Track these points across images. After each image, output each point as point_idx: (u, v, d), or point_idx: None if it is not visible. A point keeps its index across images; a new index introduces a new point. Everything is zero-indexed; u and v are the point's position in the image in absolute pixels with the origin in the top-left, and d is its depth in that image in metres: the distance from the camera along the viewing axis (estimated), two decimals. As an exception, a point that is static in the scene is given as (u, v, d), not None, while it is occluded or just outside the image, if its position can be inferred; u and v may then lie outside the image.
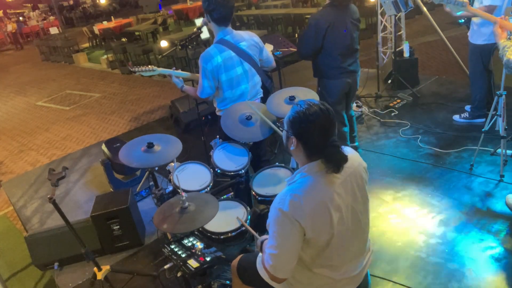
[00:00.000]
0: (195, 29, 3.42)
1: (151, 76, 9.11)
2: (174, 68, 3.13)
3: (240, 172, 2.63)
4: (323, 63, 3.44)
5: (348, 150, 1.66)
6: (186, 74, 3.19)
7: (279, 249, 1.55)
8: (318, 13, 3.39)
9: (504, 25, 2.68)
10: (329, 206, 1.53)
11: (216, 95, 2.95)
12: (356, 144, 4.06)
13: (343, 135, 3.70)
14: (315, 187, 1.55)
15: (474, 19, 3.89)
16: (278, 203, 1.55)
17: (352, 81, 3.54)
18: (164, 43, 5.70)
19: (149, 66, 3.09)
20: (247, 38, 2.87)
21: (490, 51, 3.90)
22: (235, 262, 2.02)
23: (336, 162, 1.53)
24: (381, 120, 4.79)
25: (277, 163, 2.73)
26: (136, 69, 3.09)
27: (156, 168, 2.63)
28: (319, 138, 1.54)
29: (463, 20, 4.06)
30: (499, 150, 3.45)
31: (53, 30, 13.51)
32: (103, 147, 4.21)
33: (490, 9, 3.51)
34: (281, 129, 1.69)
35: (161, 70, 3.10)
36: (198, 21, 5.04)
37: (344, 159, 1.54)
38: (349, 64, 3.44)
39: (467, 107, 4.50)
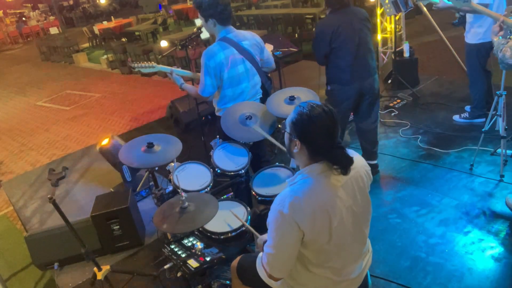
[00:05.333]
0: (195, 29, 3.43)
1: (151, 76, 9.13)
2: (175, 66, 3.12)
3: (240, 172, 2.63)
4: (335, 65, 3.31)
5: (351, 153, 1.64)
6: (188, 73, 3.17)
7: (276, 249, 1.55)
8: (322, 21, 3.52)
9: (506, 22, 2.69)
10: (329, 208, 1.52)
11: (216, 94, 2.95)
12: (375, 162, 3.71)
13: None
14: (316, 189, 1.53)
15: (468, 19, 3.89)
16: (278, 204, 1.53)
17: (365, 85, 3.33)
18: (164, 43, 5.70)
19: (149, 62, 3.08)
20: (250, 37, 2.89)
21: (486, 50, 3.90)
22: (235, 262, 2.01)
23: (344, 165, 1.51)
24: (381, 120, 4.78)
25: (277, 163, 2.73)
26: (136, 64, 3.05)
27: (156, 168, 2.63)
28: (323, 140, 1.51)
29: (456, 21, 4.06)
30: (499, 150, 3.45)
31: (53, 30, 13.56)
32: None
33: None
34: (283, 131, 1.67)
35: (161, 67, 3.08)
36: (198, 21, 5.03)
37: (351, 161, 1.52)
38: (361, 65, 3.29)
39: (467, 107, 4.50)
